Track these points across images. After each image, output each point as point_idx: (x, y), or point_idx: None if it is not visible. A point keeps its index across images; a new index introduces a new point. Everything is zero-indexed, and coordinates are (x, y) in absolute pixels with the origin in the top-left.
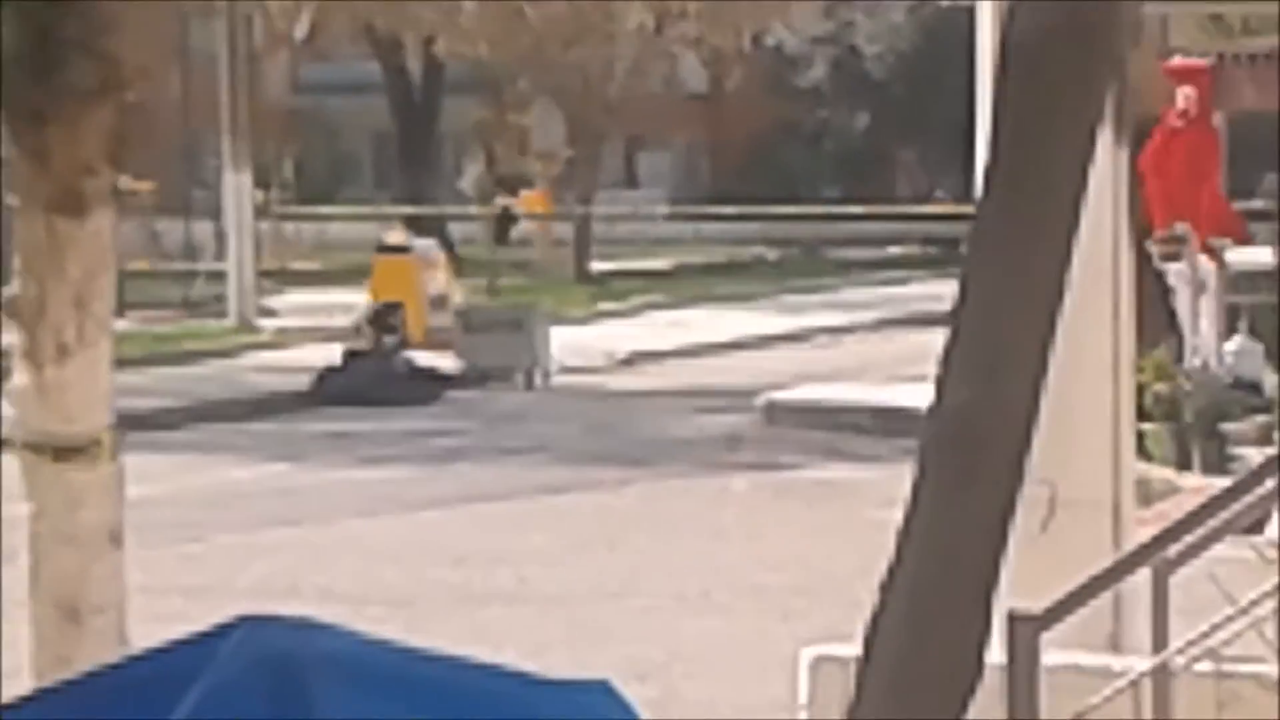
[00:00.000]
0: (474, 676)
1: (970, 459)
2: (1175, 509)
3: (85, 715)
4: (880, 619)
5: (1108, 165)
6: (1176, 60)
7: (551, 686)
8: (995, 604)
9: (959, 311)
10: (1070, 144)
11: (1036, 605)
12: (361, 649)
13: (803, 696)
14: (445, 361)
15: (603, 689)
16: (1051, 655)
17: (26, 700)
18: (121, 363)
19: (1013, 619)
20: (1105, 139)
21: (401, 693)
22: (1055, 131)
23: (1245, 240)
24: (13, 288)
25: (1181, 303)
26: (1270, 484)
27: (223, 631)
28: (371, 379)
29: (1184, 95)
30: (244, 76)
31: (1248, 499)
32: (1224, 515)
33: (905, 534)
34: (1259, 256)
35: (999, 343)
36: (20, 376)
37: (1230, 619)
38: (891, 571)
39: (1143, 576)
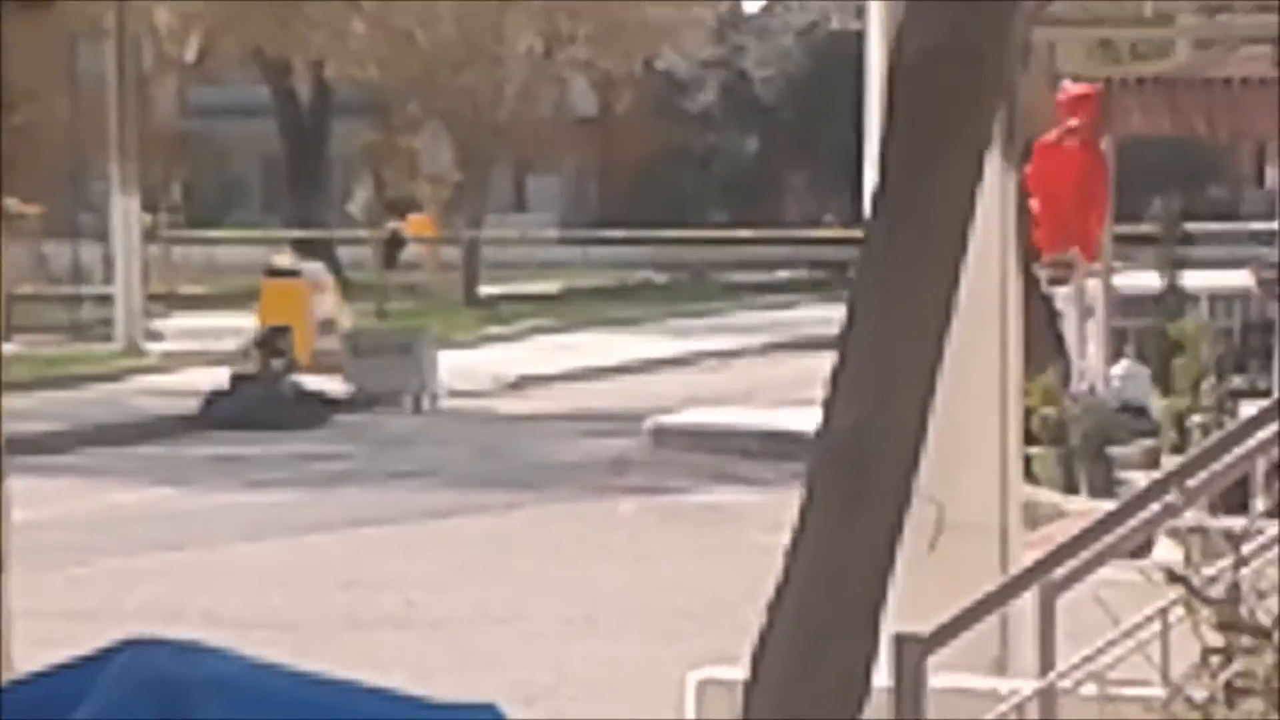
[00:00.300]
0: (361, 700)
1: (858, 479)
2: (1062, 533)
3: None
4: (767, 639)
5: (996, 188)
6: (1066, 85)
7: (439, 709)
8: (882, 625)
9: (847, 334)
10: (958, 167)
11: (923, 628)
12: (247, 672)
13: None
14: (333, 385)
15: (489, 711)
16: (938, 678)
17: None
18: (8, 386)
19: (899, 641)
20: (994, 162)
21: (288, 716)
22: (943, 154)
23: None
24: None
25: (1069, 327)
26: (1156, 507)
27: (107, 655)
28: (259, 403)
29: (1073, 121)
30: (133, 100)
31: (1133, 522)
32: (1110, 538)
33: (793, 554)
34: (1146, 281)
35: (887, 365)
36: None
37: (1116, 642)
38: (779, 592)
39: (1029, 599)
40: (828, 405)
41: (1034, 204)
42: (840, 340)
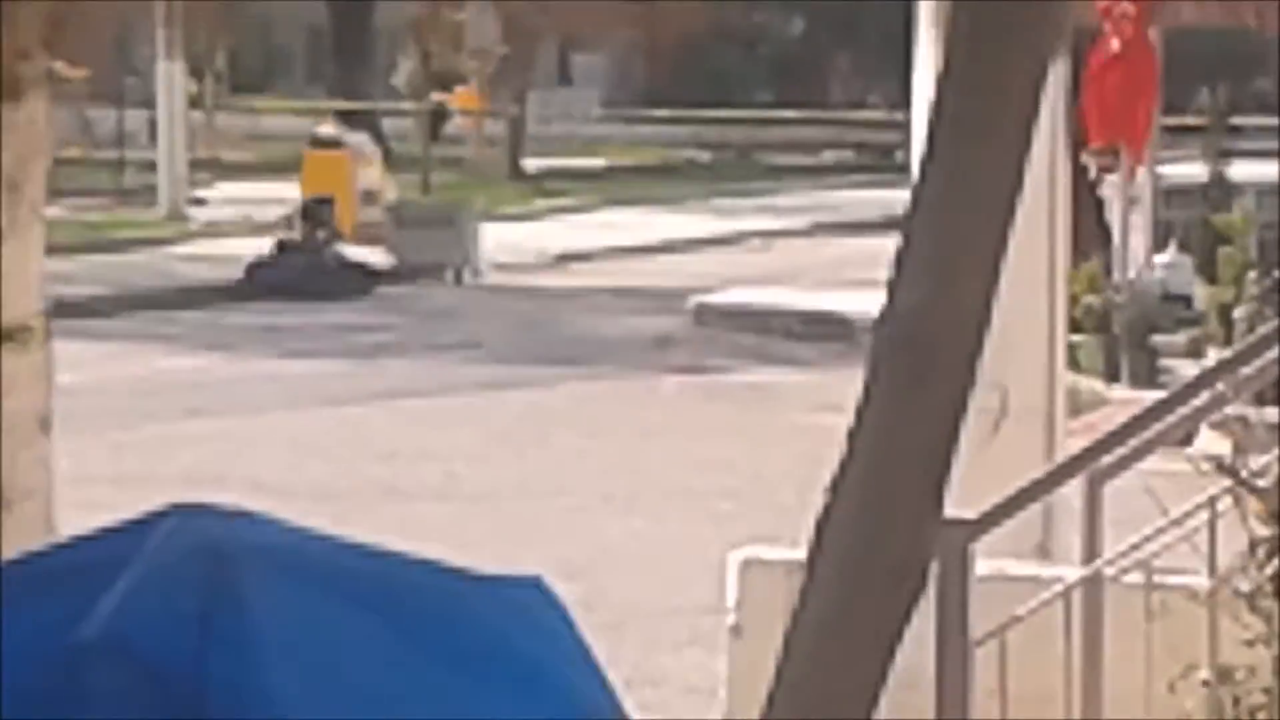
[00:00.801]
0: (407, 570)
1: (922, 360)
2: (1105, 420)
3: (11, 603)
4: (830, 515)
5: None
6: None
7: (484, 581)
8: (942, 511)
9: (911, 214)
10: (1028, 44)
11: (969, 513)
12: (295, 540)
13: (730, 599)
14: (376, 257)
15: (534, 585)
16: (982, 564)
17: None
18: (52, 250)
19: (943, 525)
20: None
21: (335, 585)
22: (1012, 32)
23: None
24: None
25: (1114, 216)
26: (1204, 396)
27: (153, 520)
28: (302, 272)
29: (1122, 12)
30: None
31: (1182, 411)
32: (1158, 426)
33: (855, 432)
34: (1191, 172)
35: (952, 245)
36: None
37: (1162, 531)
38: (842, 468)
39: (1075, 486)
40: (892, 286)
41: (1084, 94)
42: (905, 221)
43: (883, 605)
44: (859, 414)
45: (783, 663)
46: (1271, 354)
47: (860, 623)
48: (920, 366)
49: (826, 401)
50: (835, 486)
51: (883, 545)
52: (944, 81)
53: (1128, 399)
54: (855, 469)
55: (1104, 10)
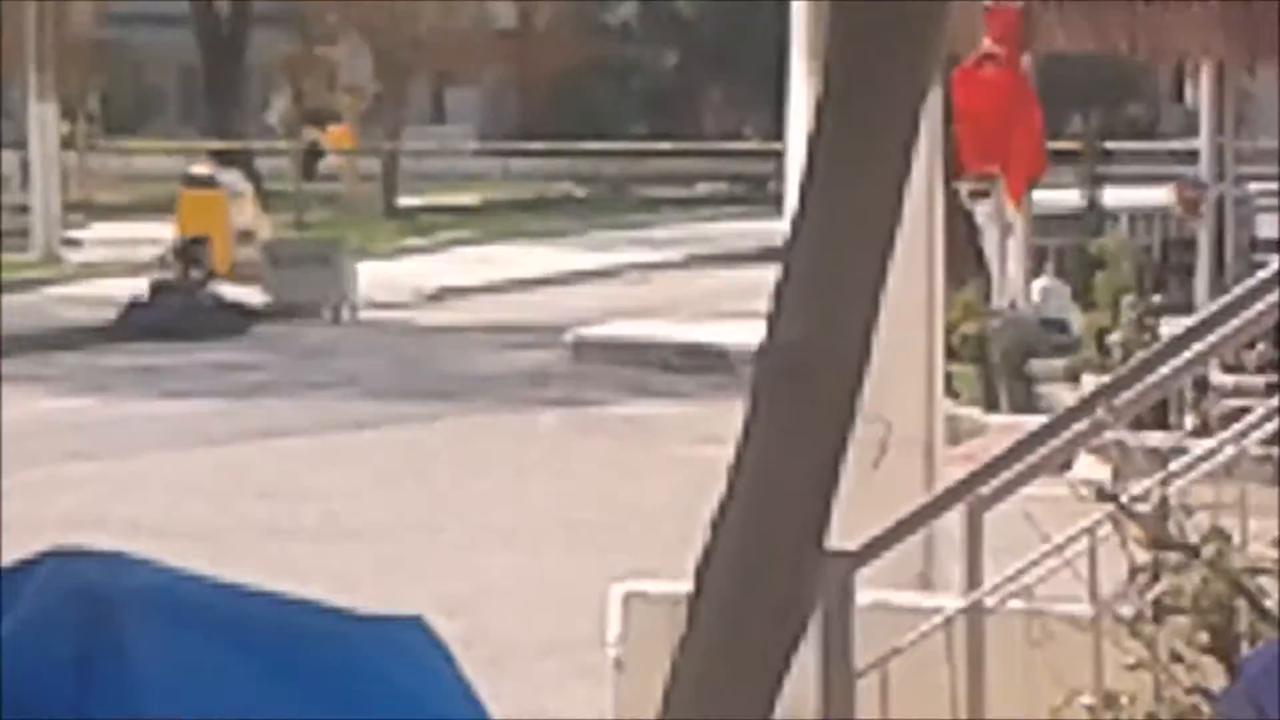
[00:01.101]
0: (287, 611)
1: (805, 392)
2: (984, 448)
3: None
4: (712, 552)
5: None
6: (988, 3)
7: (364, 622)
8: (825, 543)
9: (791, 247)
10: (909, 72)
11: (849, 544)
12: (174, 583)
13: (613, 633)
14: (252, 295)
15: (415, 624)
16: (864, 595)
17: None
18: None
19: (825, 557)
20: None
21: (214, 626)
22: (892, 61)
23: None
24: None
25: (989, 243)
26: (1083, 423)
27: (30, 566)
28: (178, 312)
29: (990, 39)
30: (51, 8)
31: (1061, 438)
32: (1037, 454)
33: (736, 470)
34: (1065, 198)
35: (832, 278)
36: None
37: (1043, 558)
38: (722, 507)
39: (956, 515)
40: (772, 318)
41: (956, 121)
42: (785, 253)
43: (766, 645)
44: (739, 450)
45: (665, 704)
46: (1148, 379)
47: (743, 663)
48: (801, 400)
49: (705, 433)
50: (716, 524)
51: (764, 584)
52: (822, 110)
53: (1006, 425)
54: (736, 506)
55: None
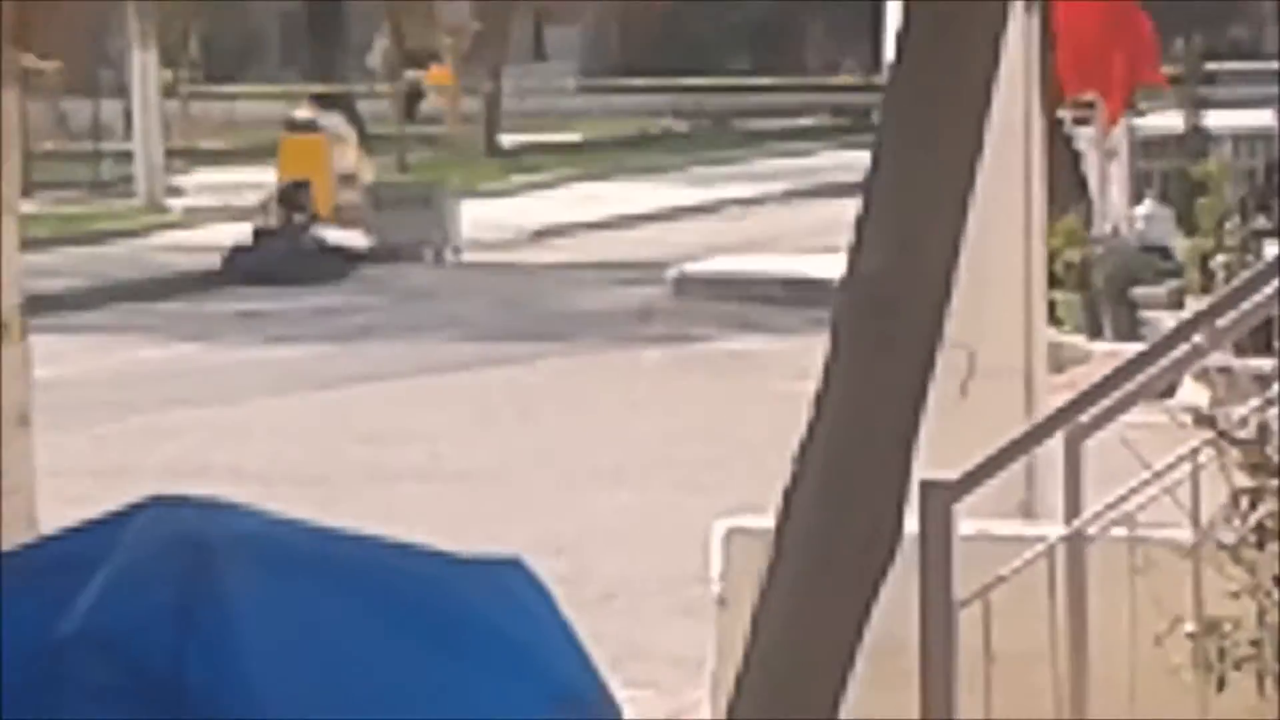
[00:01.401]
0: (387, 555)
1: (887, 324)
2: (1088, 376)
3: None
4: (797, 485)
5: (1018, 30)
6: None
7: (465, 564)
8: (910, 475)
9: (872, 176)
10: (985, 7)
11: (950, 474)
12: (273, 529)
13: (715, 569)
14: (355, 239)
15: (515, 565)
16: (965, 525)
17: None
18: (29, 243)
19: (925, 487)
20: (1015, 6)
21: (314, 572)
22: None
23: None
24: None
25: (1092, 169)
26: (1183, 348)
27: (130, 513)
28: (281, 257)
29: None
30: None
31: (1161, 363)
32: (1137, 380)
33: (821, 400)
34: (1168, 122)
35: (913, 207)
36: None
37: (1144, 485)
38: (808, 438)
39: (1056, 444)
40: (853, 249)
41: (1057, 46)
42: (865, 183)
43: (852, 574)
44: (824, 380)
45: (753, 634)
46: (1248, 302)
47: (829, 594)
48: (885, 331)
49: (808, 367)
50: (802, 453)
51: (850, 513)
52: (901, 43)
53: (1110, 353)
54: (821, 436)
55: None
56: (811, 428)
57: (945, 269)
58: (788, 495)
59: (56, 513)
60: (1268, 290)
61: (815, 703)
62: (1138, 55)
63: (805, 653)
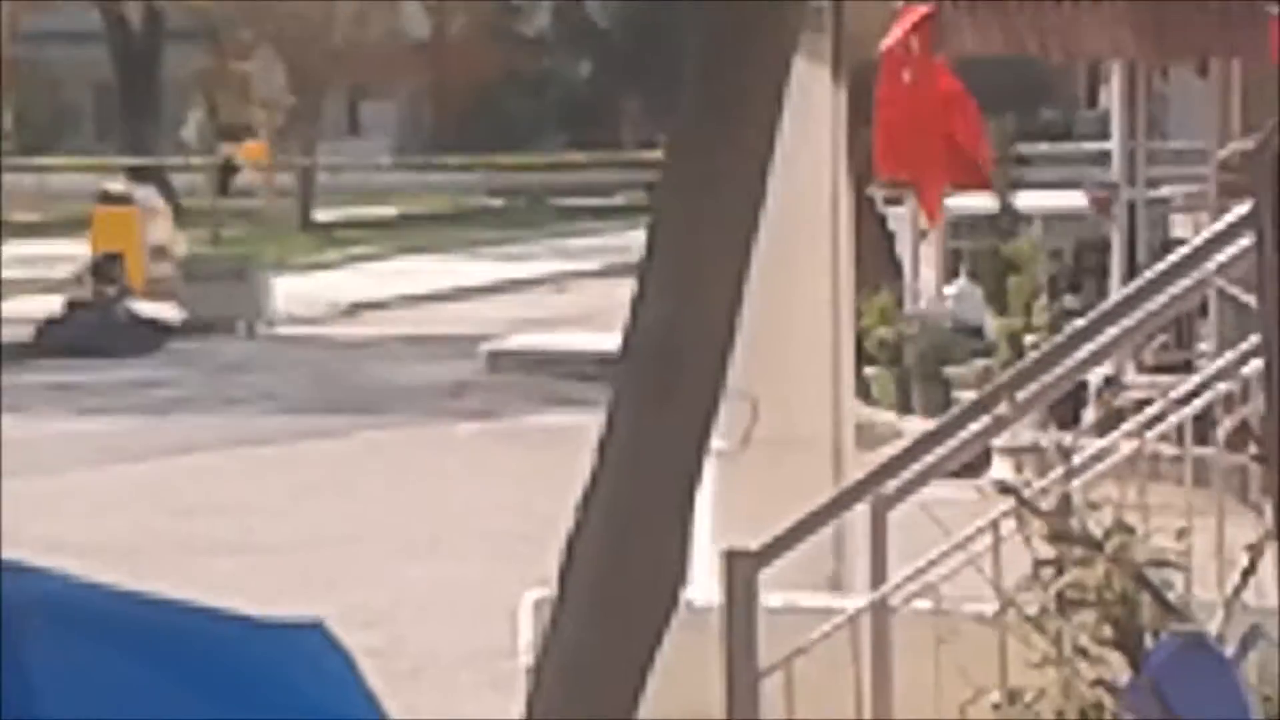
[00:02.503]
0: (187, 618)
1: (668, 372)
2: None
3: None
4: (580, 531)
5: (826, 106)
6: (901, 5)
7: (266, 628)
8: (692, 520)
9: (654, 229)
10: (764, 53)
11: (753, 543)
12: (72, 591)
13: (524, 639)
14: (167, 311)
15: (317, 629)
16: (770, 597)
17: None
18: None
19: (729, 556)
20: (824, 79)
21: (113, 634)
22: (749, 40)
23: (986, 186)
24: None
25: (904, 247)
26: (986, 420)
27: None
28: (93, 329)
29: (905, 40)
30: None
31: (965, 434)
32: (942, 450)
33: (604, 447)
34: (979, 202)
35: (695, 258)
36: None
37: (948, 555)
38: (589, 488)
39: (862, 516)
40: (636, 300)
41: (874, 127)
42: (648, 236)
43: (634, 623)
44: (607, 427)
45: (535, 686)
46: (1050, 374)
47: (613, 642)
48: (666, 379)
49: None
50: (585, 501)
51: (633, 557)
52: (684, 93)
53: (921, 431)
54: (604, 482)
55: (889, 49)
56: (594, 474)
57: (727, 318)
58: (570, 543)
59: None
60: (1068, 363)
61: None
62: (964, 143)
63: (589, 699)
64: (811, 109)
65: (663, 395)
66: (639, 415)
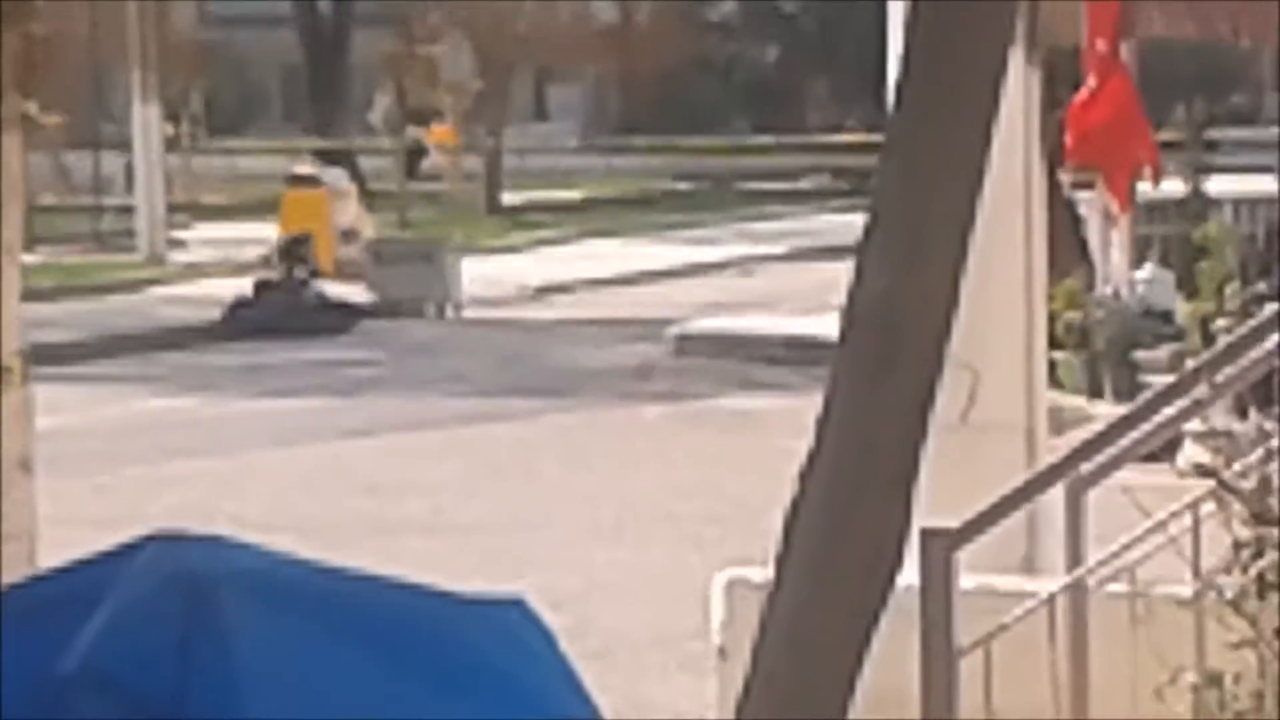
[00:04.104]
0: (387, 593)
1: (890, 343)
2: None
3: None
4: (799, 506)
5: (1019, 89)
6: None
7: (466, 603)
8: (914, 493)
9: (877, 198)
10: (986, 33)
11: (950, 523)
12: (272, 565)
13: (716, 620)
14: (356, 293)
15: (516, 605)
16: (965, 579)
17: None
18: (31, 295)
19: (926, 535)
20: (1017, 62)
21: (314, 609)
22: (971, 20)
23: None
24: None
25: (1093, 232)
26: (1183, 402)
27: (131, 549)
28: (282, 311)
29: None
30: (153, 9)
31: (1161, 416)
32: (1138, 432)
33: (824, 421)
34: (1169, 187)
35: (918, 228)
36: None
37: (1145, 537)
38: (810, 459)
39: (1057, 500)
40: (858, 270)
41: (1069, 118)
42: (871, 205)
43: (855, 591)
44: (827, 401)
45: (758, 652)
46: (1247, 358)
47: (832, 616)
48: (888, 350)
49: (809, 426)
50: (807, 471)
51: (854, 529)
52: (905, 66)
53: (1111, 414)
54: (824, 457)
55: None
56: (814, 449)
57: (950, 287)
58: (789, 520)
59: (57, 560)
60: (1267, 345)
61: (820, 715)
62: (1143, 153)
63: (807, 678)
64: (1006, 91)
65: (884, 367)
66: (860, 387)
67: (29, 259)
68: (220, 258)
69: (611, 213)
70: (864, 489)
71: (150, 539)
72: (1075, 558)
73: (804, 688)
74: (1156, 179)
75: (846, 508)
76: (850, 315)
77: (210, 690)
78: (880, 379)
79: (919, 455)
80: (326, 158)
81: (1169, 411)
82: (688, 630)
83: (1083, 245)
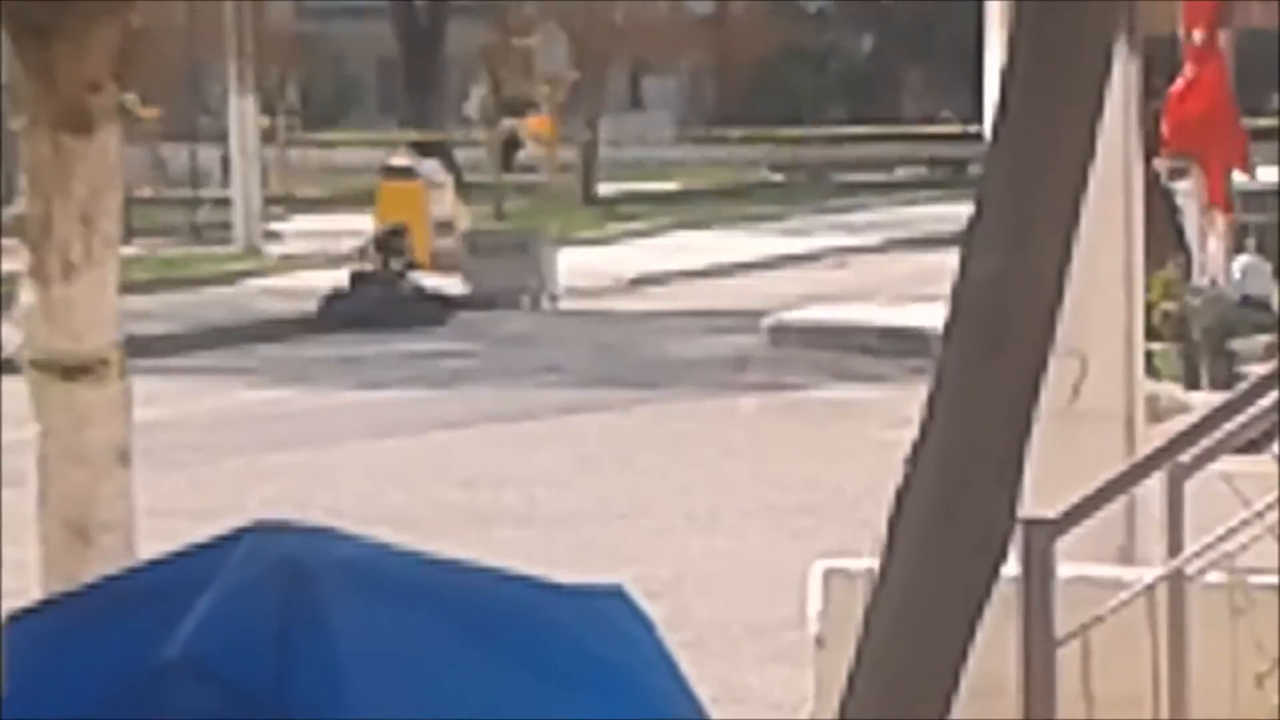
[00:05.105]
0: (487, 581)
1: (998, 327)
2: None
3: (92, 624)
4: (909, 485)
5: (1120, 79)
6: None
7: (566, 592)
8: (1021, 476)
9: (985, 181)
10: (1097, 14)
11: (1049, 512)
12: (373, 555)
13: (814, 609)
14: (452, 285)
15: (617, 594)
16: (1063, 568)
17: (31, 610)
18: (128, 287)
19: (1026, 525)
20: (1119, 52)
21: (414, 598)
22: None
23: (1246, 169)
24: (19, 206)
25: (1189, 222)
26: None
27: (232, 539)
28: (378, 303)
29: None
30: (249, 2)
31: (1262, 404)
32: (1238, 420)
33: (933, 402)
34: (1266, 175)
35: (1026, 211)
36: (27, 296)
37: (1245, 524)
38: (917, 443)
39: (1154, 490)
40: (965, 254)
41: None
42: (979, 188)
43: (963, 576)
44: (936, 382)
45: (864, 639)
46: None
47: (940, 595)
48: (996, 332)
49: (905, 416)
50: (914, 456)
51: (962, 515)
52: (1015, 48)
53: (1208, 403)
54: (933, 438)
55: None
56: (923, 429)
57: (1057, 272)
58: (899, 495)
59: (155, 551)
60: None
61: (927, 700)
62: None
63: (917, 655)
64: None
65: (992, 349)
66: (968, 372)
67: (126, 251)
68: (316, 250)
69: (706, 203)
70: (972, 473)
71: (250, 529)
72: (1175, 545)
73: (911, 677)
74: (1247, 169)
75: (954, 492)
76: (957, 301)
77: (310, 679)
78: (988, 364)
79: (1026, 440)
80: (422, 149)
81: (1267, 400)
82: (783, 620)
83: (1179, 234)
